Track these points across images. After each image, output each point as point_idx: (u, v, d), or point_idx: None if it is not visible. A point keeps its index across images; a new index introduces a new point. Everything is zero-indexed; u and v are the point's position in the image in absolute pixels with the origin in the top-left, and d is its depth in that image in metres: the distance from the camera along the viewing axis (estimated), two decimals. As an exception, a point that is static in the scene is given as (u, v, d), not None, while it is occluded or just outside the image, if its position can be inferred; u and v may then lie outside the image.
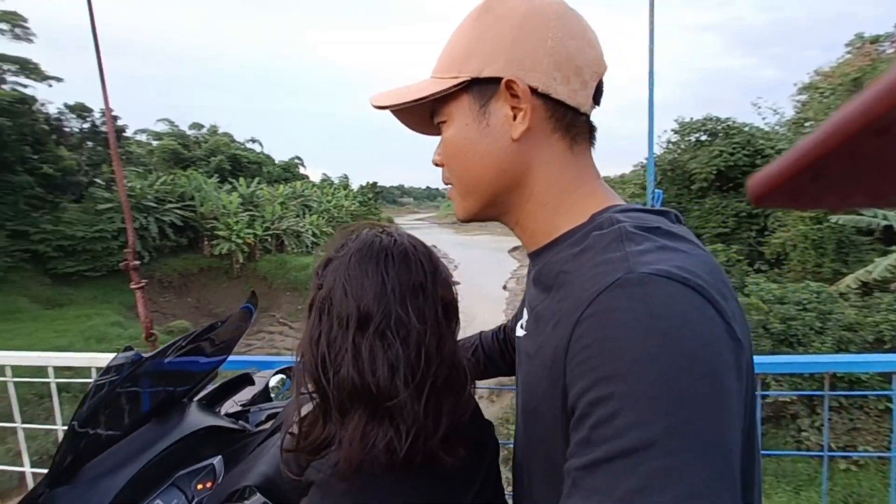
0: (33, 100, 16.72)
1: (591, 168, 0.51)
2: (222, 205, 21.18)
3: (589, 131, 0.51)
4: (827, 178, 0.15)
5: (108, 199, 18.14)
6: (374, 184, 39.12)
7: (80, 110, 19.05)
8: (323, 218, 26.72)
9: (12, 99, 14.40)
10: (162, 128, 28.77)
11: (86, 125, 19.69)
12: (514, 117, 0.46)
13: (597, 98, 0.50)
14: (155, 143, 26.87)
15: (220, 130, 29.64)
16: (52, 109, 18.38)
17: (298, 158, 38.46)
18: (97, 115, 19.13)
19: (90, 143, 19.89)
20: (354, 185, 39.97)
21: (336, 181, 42.30)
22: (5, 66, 15.71)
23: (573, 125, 0.48)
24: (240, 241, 20.58)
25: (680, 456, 0.29)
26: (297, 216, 24.59)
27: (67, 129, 19.15)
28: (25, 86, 16.30)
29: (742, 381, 0.35)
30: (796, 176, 0.15)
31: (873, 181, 0.15)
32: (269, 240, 22.45)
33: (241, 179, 23.86)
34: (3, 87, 15.03)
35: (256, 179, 24.48)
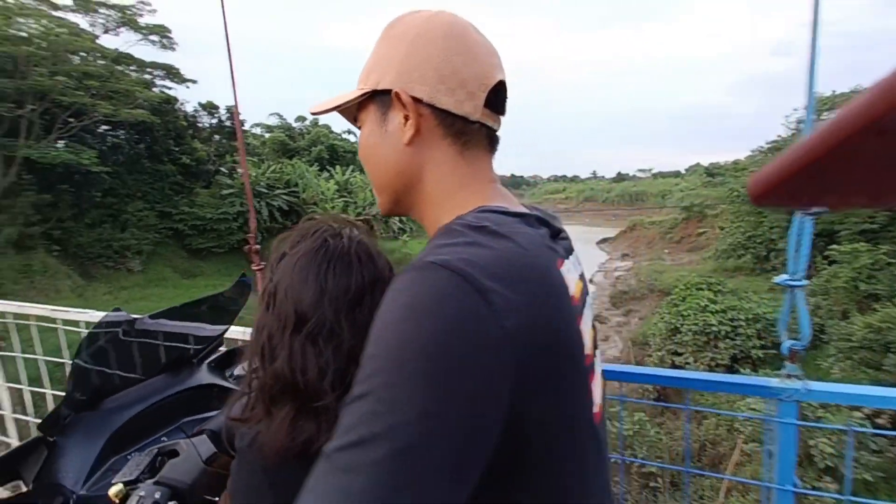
0: (175, 100, 19.60)
1: (483, 171, 0.53)
2: (321, 191, 22.99)
3: (487, 137, 0.53)
4: (826, 179, 0.15)
5: (230, 186, 20.76)
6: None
7: (210, 108, 21.92)
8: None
9: (160, 100, 17.03)
10: (273, 121, 32.03)
11: (214, 121, 22.62)
12: (405, 124, 0.50)
13: (497, 107, 0.52)
14: (267, 135, 30.00)
15: (320, 123, 32.09)
16: (188, 108, 21.45)
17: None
18: (223, 112, 21.85)
19: (217, 137, 22.85)
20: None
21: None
22: (155, 73, 18.57)
23: (463, 132, 0.51)
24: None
25: (386, 406, 0.33)
26: (386, 202, 25.82)
27: (200, 125, 22.17)
28: (170, 88, 19.15)
29: (501, 358, 0.36)
30: (795, 176, 0.15)
31: (872, 182, 0.15)
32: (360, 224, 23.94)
33: (338, 168, 25.64)
34: (154, 90, 17.77)
35: (350, 167, 26.15)
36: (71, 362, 0.91)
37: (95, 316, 1.50)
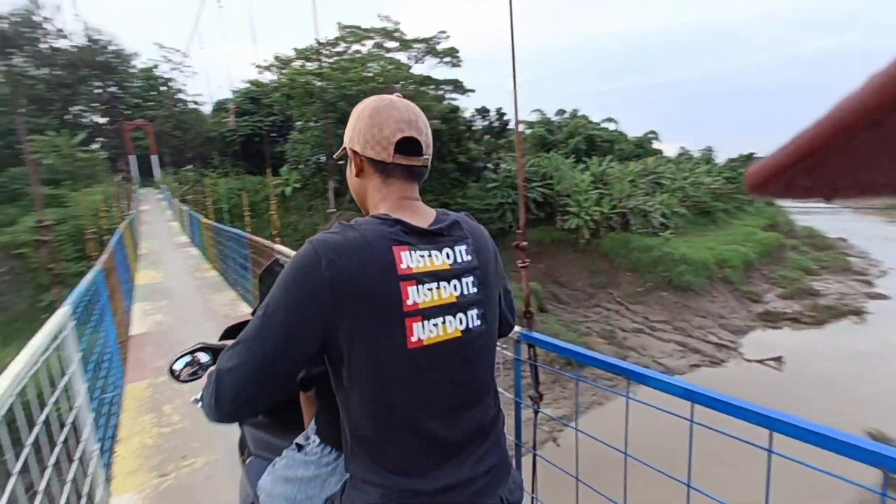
0: (458, 109, 23.35)
1: (398, 192, 0.81)
2: (575, 183, 22.89)
3: (405, 170, 0.80)
4: (822, 171, 0.15)
5: (494, 180, 23.33)
6: (750, 155, 31.54)
7: (482, 112, 25.07)
8: (676, 197, 24.20)
9: (448, 110, 20.64)
10: (534, 117, 33.89)
11: (485, 123, 25.74)
12: (354, 166, 0.83)
13: (409, 151, 0.79)
14: (528, 131, 32.01)
15: (579, 114, 31.76)
16: (467, 114, 25.18)
17: (653, 133, 36.07)
18: (493, 115, 24.57)
19: (487, 136, 26.01)
20: (721, 159, 33.71)
21: (697, 154, 37.07)
22: (445, 88, 22.58)
23: (384, 170, 0.80)
24: (587, 217, 21.76)
25: (269, 297, 0.69)
26: (647, 194, 23.38)
27: (475, 128, 25.70)
28: (455, 99, 22.93)
29: (321, 292, 0.66)
30: (791, 167, 0.16)
31: (868, 174, 0.15)
32: (615, 217, 22.55)
33: (594, 158, 24.87)
34: (444, 102, 21.65)
35: (608, 158, 24.92)
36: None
37: None
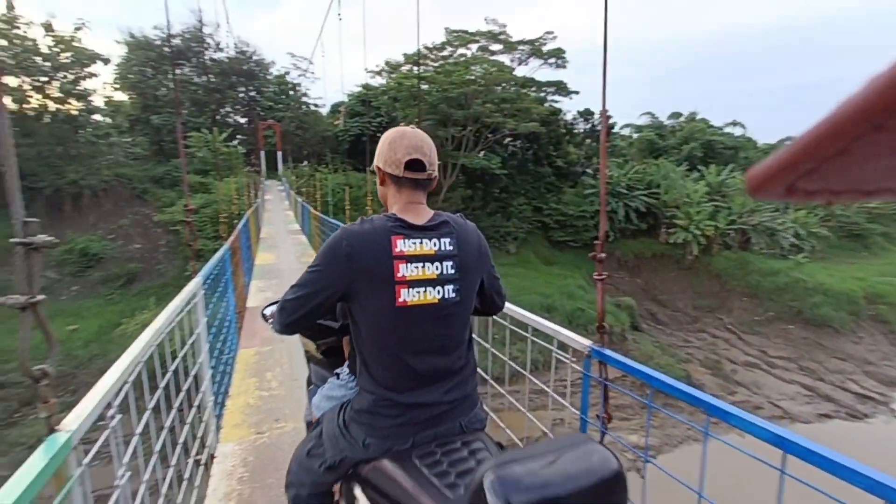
0: (559, 111, 22.62)
1: (407, 198, 1.08)
2: (686, 193, 20.74)
3: (412, 182, 1.07)
4: (823, 173, 0.15)
5: (592, 186, 22.16)
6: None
7: (586, 115, 23.95)
8: (816, 215, 20.62)
9: (549, 112, 20.13)
10: (643, 121, 31.44)
11: (587, 126, 24.56)
12: (379, 177, 1.13)
13: (415, 168, 1.05)
14: (635, 135, 29.81)
15: (697, 117, 28.66)
16: (568, 117, 24.27)
17: (790, 140, 31.05)
18: (596, 117, 23.35)
19: (588, 141, 24.80)
20: (883, 172, 27.74)
21: (849, 166, 30.97)
22: (548, 90, 22.03)
23: (397, 181, 1.07)
24: (698, 232, 19.58)
25: (308, 272, 1.03)
26: (776, 210, 20.26)
27: (576, 131, 24.66)
28: (557, 101, 22.25)
29: (341, 262, 0.99)
30: (792, 169, 0.15)
31: (869, 176, 0.15)
32: (732, 234, 19.96)
33: (712, 167, 22.28)
34: (545, 105, 21.15)
35: (729, 167, 22.13)
36: None
37: None
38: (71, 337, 11.39)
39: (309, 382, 1.48)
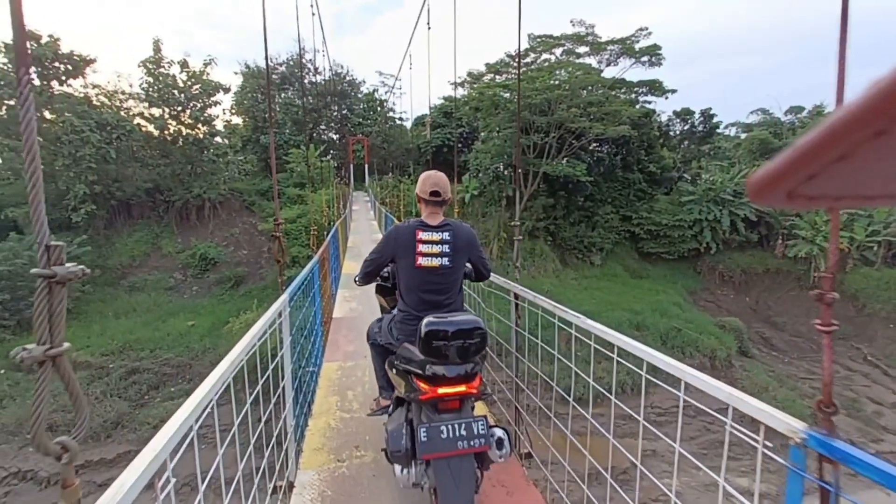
0: (652, 112, 20.94)
1: (428, 210, 2.04)
2: (810, 199, 17.84)
3: (431, 202, 2.02)
4: (823, 178, 0.15)
5: (690, 192, 20.10)
6: None
7: (684, 114, 21.87)
8: None
9: (640, 114, 18.73)
10: (753, 119, 27.89)
11: (686, 127, 22.40)
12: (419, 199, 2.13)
13: (433, 195, 2.01)
14: (743, 135, 26.54)
15: (827, 110, 24.63)
16: (663, 118, 22.37)
17: None
18: (697, 116, 21.21)
19: (685, 143, 22.61)
20: None
21: None
22: (639, 90, 20.53)
23: (424, 201, 2.04)
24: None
25: (376, 246, 2.14)
26: (937, 219, 16.57)
27: (671, 133, 22.63)
28: (650, 102, 20.64)
29: (390, 241, 2.04)
30: (792, 175, 0.15)
31: (871, 181, 0.15)
32: (875, 248, 16.74)
33: (845, 168, 18.94)
34: (636, 106, 19.72)
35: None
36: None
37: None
38: (189, 331, 13.00)
39: (381, 312, 2.72)
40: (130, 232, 18.08)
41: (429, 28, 9.99)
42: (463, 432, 1.63)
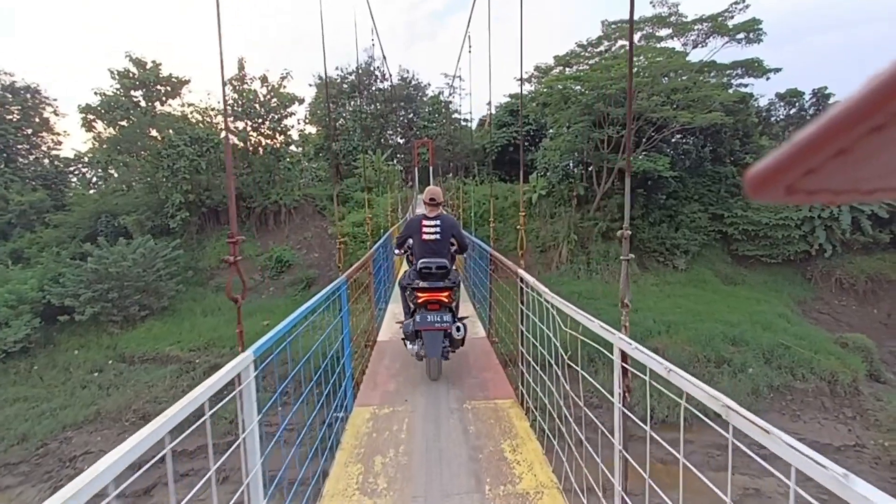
0: (750, 96, 18.42)
1: (428, 210, 3.89)
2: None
3: (428, 205, 3.90)
4: (821, 173, 0.15)
5: (799, 186, 17.35)
6: None
7: (790, 97, 18.96)
8: None
9: (735, 99, 16.50)
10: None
11: (792, 111, 19.43)
12: None
13: (430, 201, 3.90)
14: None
15: None
16: (762, 102, 19.60)
17: None
18: (807, 98, 18.28)
19: (791, 129, 19.61)
20: None
21: None
22: (733, 72, 18.16)
23: (426, 203, 3.91)
24: None
25: (400, 232, 4.27)
26: None
27: (773, 119, 19.77)
28: (745, 85, 18.17)
29: (408, 227, 3.99)
30: (791, 170, 0.15)
31: (869, 176, 0.15)
32: None
33: None
34: (729, 91, 17.43)
35: None
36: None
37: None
38: (264, 330, 13.61)
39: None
40: (218, 236, 19.65)
41: (489, 29, 9.51)
42: (437, 319, 3.49)
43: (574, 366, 1.98)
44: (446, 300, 3.58)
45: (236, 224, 1.84)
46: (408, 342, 3.67)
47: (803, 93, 18.52)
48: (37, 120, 22.24)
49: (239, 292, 1.87)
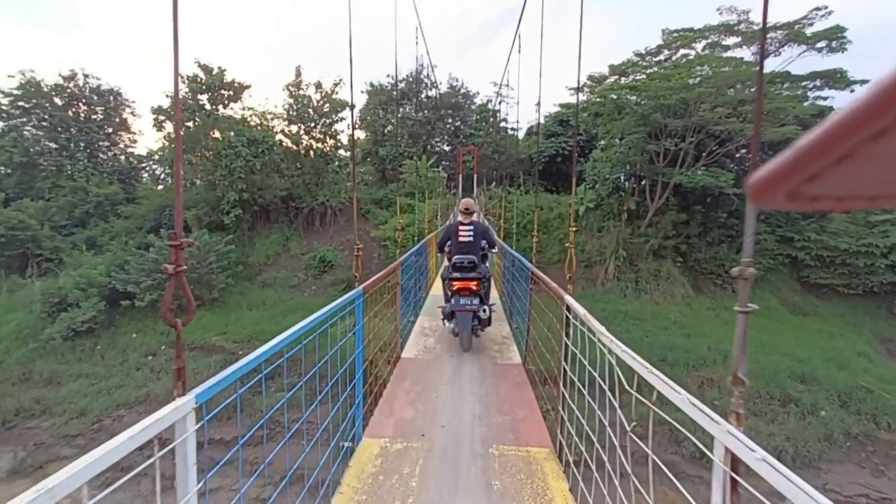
0: (829, 109, 16.80)
1: (462, 217, 4.94)
2: None
3: (463, 213, 4.95)
4: (824, 179, 0.15)
5: (886, 210, 15.52)
6: None
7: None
8: None
9: (813, 113, 15.09)
10: None
11: (879, 126, 17.56)
12: None
13: (465, 211, 4.94)
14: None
15: None
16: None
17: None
18: (898, 111, 16.41)
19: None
20: None
21: None
22: (810, 83, 16.67)
23: (461, 212, 4.98)
24: None
25: (440, 236, 5.43)
26: None
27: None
28: (825, 97, 16.60)
29: (446, 231, 5.12)
30: (793, 176, 0.15)
31: (872, 182, 0.15)
32: None
33: None
34: (804, 104, 15.98)
35: None
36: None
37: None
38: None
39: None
40: (267, 234, 20.47)
41: (541, 35, 9.25)
42: (467, 302, 4.34)
43: (643, 445, 1.53)
44: (475, 288, 4.48)
45: (181, 224, 1.42)
46: (446, 321, 4.76)
47: (894, 107, 16.64)
48: (117, 120, 24.33)
49: (181, 316, 1.36)
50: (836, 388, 10.45)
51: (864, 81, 15.53)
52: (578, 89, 10.29)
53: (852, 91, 15.84)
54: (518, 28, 9.90)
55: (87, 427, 10.92)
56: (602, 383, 1.85)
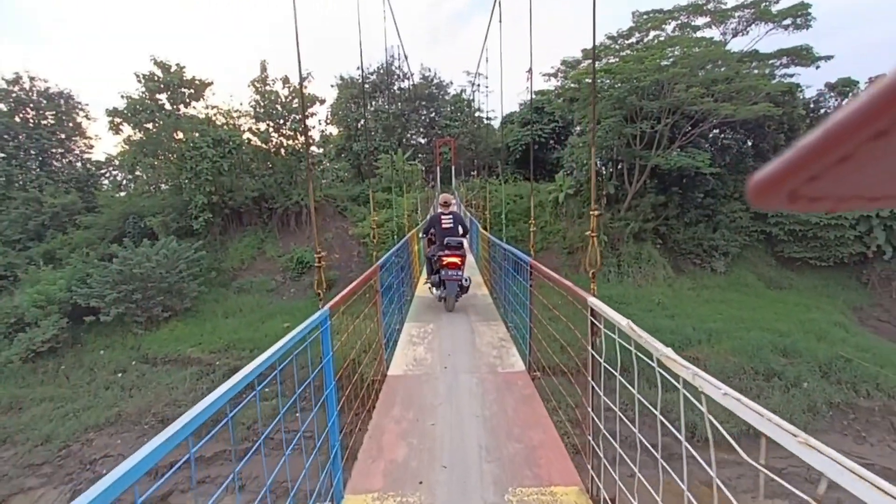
0: (797, 86, 17.12)
1: (442, 208, 6.29)
2: None
3: (442, 207, 6.32)
4: (824, 180, 0.15)
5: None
6: None
7: (843, 86, 17.56)
8: None
9: (782, 90, 15.31)
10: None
11: (843, 101, 17.98)
12: None
13: (444, 205, 6.31)
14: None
15: None
16: (810, 93, 18.23)
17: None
18: (862, 87, 16.84)
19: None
20: None
21: None
22: (777, 61, 16.91)
23: (440, 205, 6.37)
24: None
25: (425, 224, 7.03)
26: None
27: (823, 110, 18.37)
28: (792, 74, 16.88)
29: (429, 220, 6.65)
30: (794, 177, 0.15)
31: (873, 182, 0.15)
32: None
33: None
34: (774, 80, 16.19)
35: None
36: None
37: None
38: (284, 332, 13.35)
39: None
40: (241, 237, 19.67)
41: (500, 22, 9.04)
42: (454, 273, 5.74)
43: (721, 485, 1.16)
44: (460, 262, 5.72)
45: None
46: (434, 289, 6.21)
47: (857, 82, 17.07)
48: (70, 125, 22.86)
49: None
50: (816, 360, 10.66)
51: (828, 57, 15.85)
52: (531, 73, 10.03)
53: (818, 67, 16.17)
54: (490, 22, 9.55)
55: (54, 454, 10.20)
56: (676, 432, 1.39)
